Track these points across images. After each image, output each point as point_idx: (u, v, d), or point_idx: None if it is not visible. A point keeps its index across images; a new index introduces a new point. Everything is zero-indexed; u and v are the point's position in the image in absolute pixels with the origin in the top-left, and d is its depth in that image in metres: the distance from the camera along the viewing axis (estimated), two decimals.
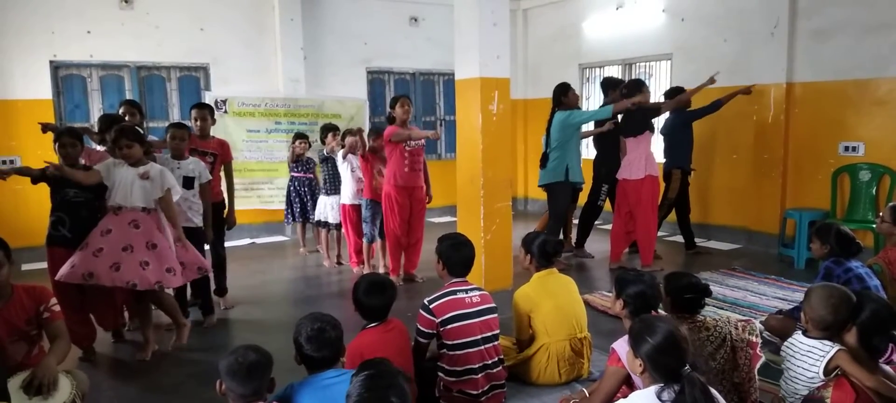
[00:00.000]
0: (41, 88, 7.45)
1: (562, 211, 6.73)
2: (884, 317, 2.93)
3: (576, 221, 7.43)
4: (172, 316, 4.59)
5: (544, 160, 6.69)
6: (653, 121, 6.57)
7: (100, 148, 5.00)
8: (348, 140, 6.45)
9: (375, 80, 9.67)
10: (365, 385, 2.08)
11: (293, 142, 7.49)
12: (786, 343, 3.18)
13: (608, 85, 7.05)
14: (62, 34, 7.50)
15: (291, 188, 7.51)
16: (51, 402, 2.90)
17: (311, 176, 7.32)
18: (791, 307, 4.50)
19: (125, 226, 4.19)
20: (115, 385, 4.01)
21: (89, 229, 4.27)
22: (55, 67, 7.57)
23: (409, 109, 5.99)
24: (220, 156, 5.35)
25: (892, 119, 6.37)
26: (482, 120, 5.60)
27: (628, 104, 6.28)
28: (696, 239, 7.39)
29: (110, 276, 4.05)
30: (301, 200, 7.43)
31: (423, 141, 6.09)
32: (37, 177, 4.23)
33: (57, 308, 3.31)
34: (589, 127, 7.12)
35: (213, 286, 5.39)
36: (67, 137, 4.33)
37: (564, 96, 6.56)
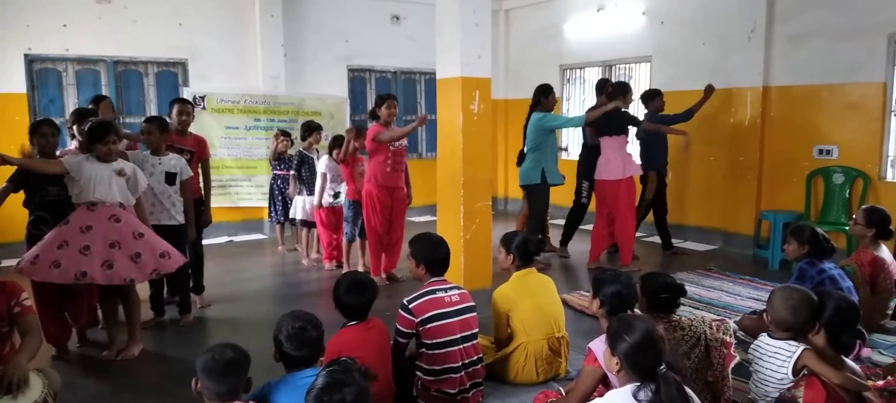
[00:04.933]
0: (15, 82, 7.31)
1: (541, 211, 6.75)
2: (847, 313, 3.00)
3: (552, 221, 7.45)
4: (131, 325, 4.41)
5: (520, 158, 6.72)
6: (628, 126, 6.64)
7: (72, 146, 4.91)
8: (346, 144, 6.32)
9: (356, 79, 9.63)
10: (324, 380, 2.15)
11: (276, 139, 7.44)
12: (752, 345, 3.23)
13: (602, 87, 7.05)
14: (37, 27, 7.37)
15: (274, 186, 7.47)
16: (22, 401, 2.85)
17: (294, 173, 7.27)
18: (765, 308, 4.57)
19: (105, 222, 4.06)
20: (89, 385, 3.95)
21: None
22: (30, 61, 7.43)
23: (394, 111, 5.94)
24: (196, 152, 5.27)
25: (864, 123, 6.49)
26: (463, 119, 5.61)
27: (599, 114, 6.34)
28: (673, 240, 7.47)
29: (105, 275, 3.93)
30: (284, 198, 7.39)
31: (406, 141, 6.07)
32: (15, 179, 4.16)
33: (28, 302, 3.25)
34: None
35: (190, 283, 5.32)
36: (47, 127, 4.25)
37: (544, 97, 6.58)
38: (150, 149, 4.75)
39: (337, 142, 6.47)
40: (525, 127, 6.70)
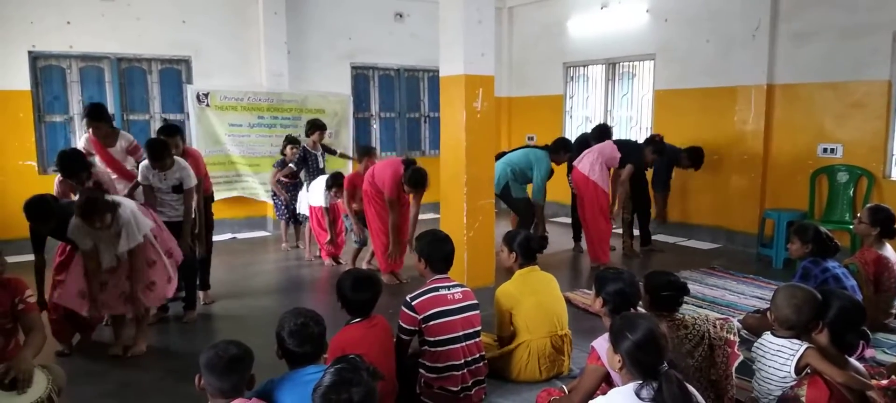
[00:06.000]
0: (19, 79, 7.32)
1: (525, 209, 6.82)
2: (852, 312, 2.99)
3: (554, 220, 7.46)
4: (138, 322, 4.44)
5: (498, 156, 6.83)
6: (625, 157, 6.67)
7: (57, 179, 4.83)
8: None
9: (359, 76, 9.63)
10: (332, 377, 2.15)
11: (284, 149, 7.40)
12: (756, 344, 3.22)
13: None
14: (41, 24, 7.38)
15: (274, 189, 7.49)
16: (26, 396, 2.87)
17: (298, 179, 7.27)
18: (768, 306, 4.56)
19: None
20: (93, 380, 3.96)
21: None
22: (34, 58, 7.44)
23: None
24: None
25: (869, 121, 6.47)
26: (466, 117, 5.60)
27: (540, 221, 6.74)
28: (678, 239, 7.47)
29: (124, 306, 4.33)
30: (286, 199, 7.40)
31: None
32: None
33: (32, 299, 3.29)
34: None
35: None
36: (39, 223, 4.12)
37: (563, 151, 6.79)
38: (163, 171, 4.84)
39: (336, 180, 6.41)
40: (526, 145, 6.76)
